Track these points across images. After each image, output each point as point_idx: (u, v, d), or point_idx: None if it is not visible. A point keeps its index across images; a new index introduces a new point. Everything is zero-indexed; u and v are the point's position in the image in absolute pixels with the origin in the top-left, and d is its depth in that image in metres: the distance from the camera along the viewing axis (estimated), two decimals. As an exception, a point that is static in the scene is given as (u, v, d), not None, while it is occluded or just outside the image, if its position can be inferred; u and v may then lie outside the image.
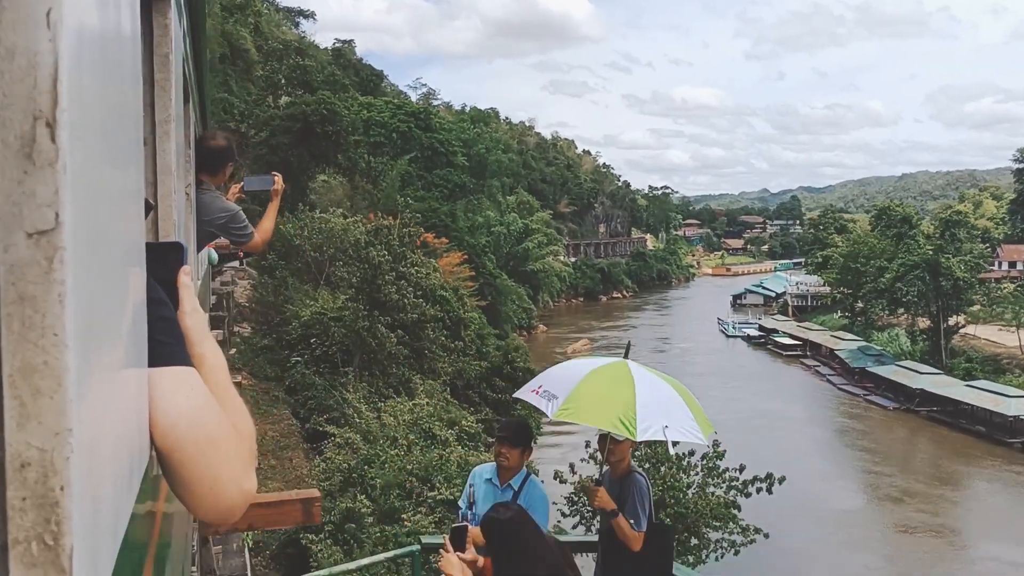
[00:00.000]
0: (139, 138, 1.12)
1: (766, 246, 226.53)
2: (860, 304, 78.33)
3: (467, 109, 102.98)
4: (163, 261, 1.22)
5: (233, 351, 31.31)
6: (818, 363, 68.14)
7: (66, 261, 0.59)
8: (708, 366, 70.42)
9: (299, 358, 28.05)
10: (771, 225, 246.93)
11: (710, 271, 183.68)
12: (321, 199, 55.99)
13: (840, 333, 70.64)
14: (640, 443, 16.84)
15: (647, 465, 15.65)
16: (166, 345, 1.05)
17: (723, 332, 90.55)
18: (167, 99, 2.68)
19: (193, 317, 1.20)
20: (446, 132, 76.08)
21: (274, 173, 5.57)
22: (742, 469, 17.08)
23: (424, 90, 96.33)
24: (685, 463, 16.73)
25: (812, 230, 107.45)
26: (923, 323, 63.06)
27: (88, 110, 0.68)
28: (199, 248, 4.99)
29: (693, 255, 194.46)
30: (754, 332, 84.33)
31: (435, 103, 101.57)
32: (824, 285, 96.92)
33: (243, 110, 61.51)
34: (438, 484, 14.97)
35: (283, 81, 60.45)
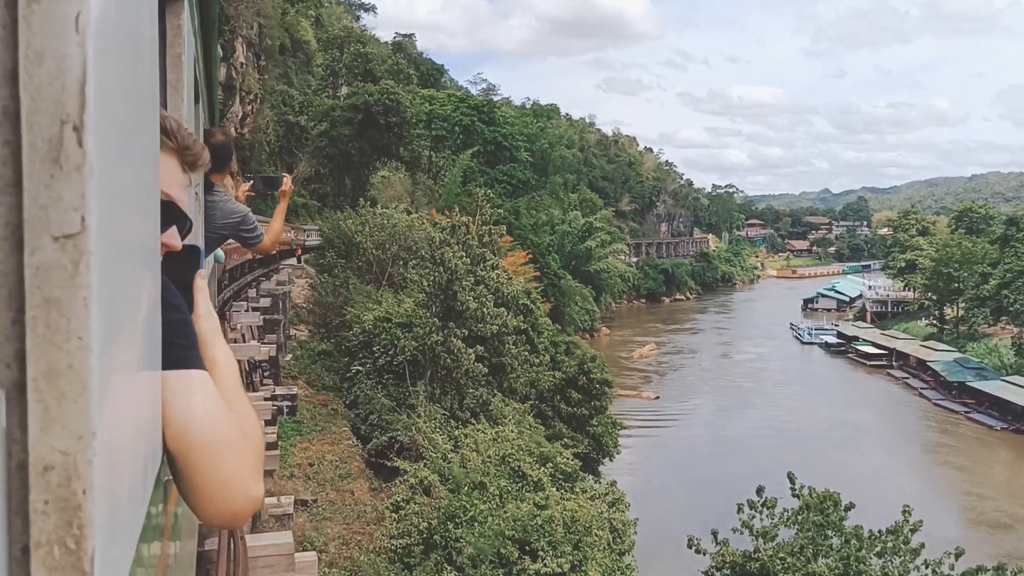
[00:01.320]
0: (156, 140, 1.11)
1: (833, 248, 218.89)
2: (952, 311, 72.95)
3: (528, 104, 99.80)
4: (180, 264, 1.22)
5: (289, 356, 28.82)
6: (907, 375, 63.19)
7: (92, 265, 0.59)
8: (785, 375, 66.15)
9: (360, 367, 25.33)
10: (837, 226, 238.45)
11: (775, 273, 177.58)
12: (380, 195, 53.67)
13: (931, 343, 65.48)
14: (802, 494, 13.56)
15: (806, 532, 12.24)
16: (181, 348, 1.06)
17: (798, 338, 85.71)
18: (179, 100, 2.72)
19: (207, 320, 1.21)
20: (509, 126, 73.12)
21: (284, 174, 5.53)
22: (958, 556, 13.17)
23: (484, 85, 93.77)
24: (867, 534, 13.11)
25: (892, 232, 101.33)
26: (1031, 334, 57.68)
27: (112, 113, 0.68)
28: (209, 250, 4.75)
29: (757, 256, 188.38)
30: (832, 339, 79.38)
31: (495, 98, 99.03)
32: (905, 290, 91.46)
33: (302, 102, 59.57)
34: (542, 552, 11.93)
35: (344, 70, 58.18)
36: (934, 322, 75.50)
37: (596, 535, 13.22)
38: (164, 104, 2.60)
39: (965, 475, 44.82)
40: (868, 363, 68.76)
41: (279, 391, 22.16)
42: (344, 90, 59.39)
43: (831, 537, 12.97)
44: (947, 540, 35.34)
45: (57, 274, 0.58)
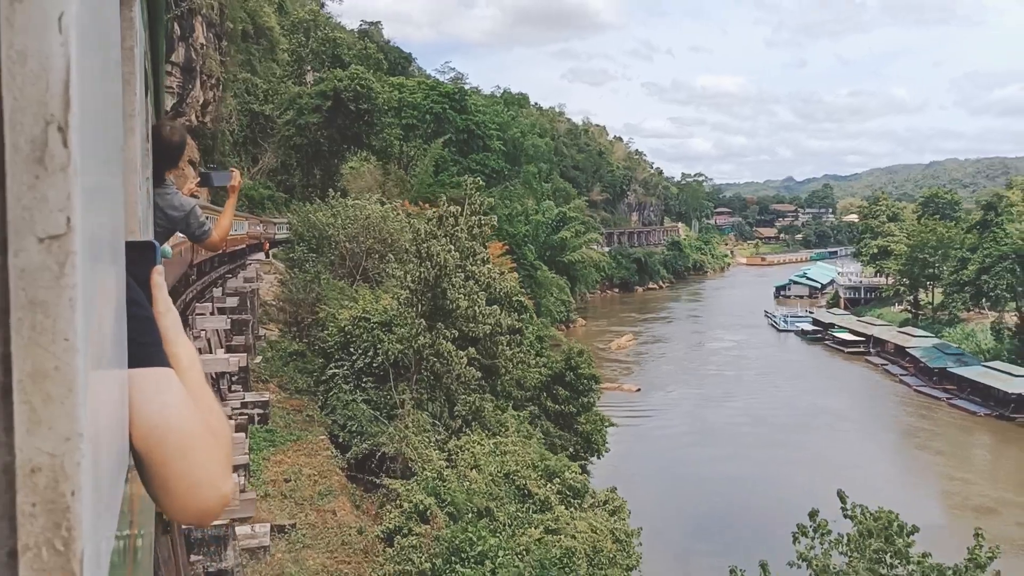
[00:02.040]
0: (120, 137, 1.09)
1: (800, 235, 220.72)
2: (926, 297, 72.93)
3: (499, 93, 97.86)
4: (137, 260, 1.22)
5: (259, 359, 27.02)
6: (885, 361, 62.88)
7: (77, 266, 0.59)
8: (764, 363, 65.53)
9: (336, 370, 23.65)
10: (803, 213, 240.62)
11: (744, 261, 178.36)
12: (350, 186, 51.69)
13: (908, 329, 65.26)
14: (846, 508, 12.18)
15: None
16: (145, 346, 1.06)
17: (773, 326, 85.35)
18: (132, 94, 2.69)
19: (167, 316, 1.21)
20: (481, 115, 71.34)
21: (232, 168, 5.34)
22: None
23: (453, 74, 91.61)
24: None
25: (863, 219, 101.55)
26: (1011, 319, 57.48)
27: (90, 112, 0.68)
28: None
29: (726, 244, 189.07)
30: (808, 326, 79.05)
31: (464, 87, 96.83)
32: (877, 276, 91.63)
33: (266, 90, 57.18)
34: (564, 593, 10.47)
35: (310, 56, 55.78)
36: (908, 308, 75.47)
37: (612, 558, 11.86)
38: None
39: (948, 460, 44.48)
40: (845, 350, 68.44)
41: (249, 398, 20.45)
42: (310, 77, 57.08)
43: (895, 567, 11.66)
44: (935, 526, 35.07)
45: (43, 275, 0.58)
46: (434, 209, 18.74)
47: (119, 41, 1.12)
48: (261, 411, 21.08)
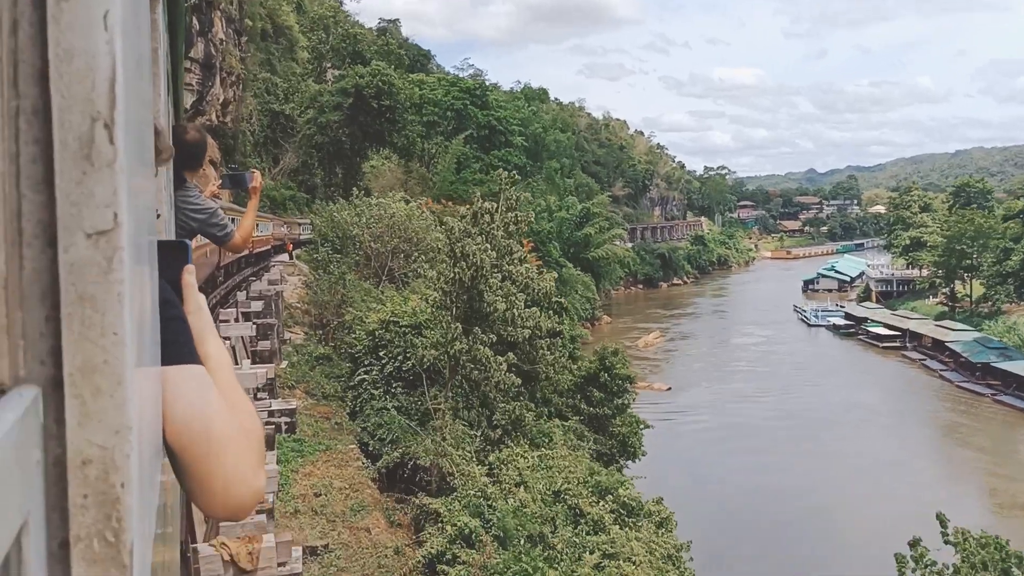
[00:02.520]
0: (151, 133, 1.11)
1: (825, 227, 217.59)
2: (963, 289, 70.93)
3: (518, 88, 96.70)
4: (169, 260, 1.23)
5: (284, 364, 26.17)
6: (923, 356, 61.07)
7: (125, 261, 0.60)
8: (796, 359, 64.02)
9: (365, 375, 22.71)
10: (827, 205, 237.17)
11: (769, 254, 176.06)
12: (371, 185, 50.89)
13: (946, 323, 63.35)
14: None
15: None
16: (178, 344, 1.08)
17: (804, 321, 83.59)
18: (156, 94, 2.77)
19: (198, 315, 1.23)
20: (502, 110, 70.25)
21: (253, 170, 5.35)
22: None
23: (471, 71, 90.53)
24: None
25: (893, 209, 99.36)
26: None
27: (132, 110, 0.70)
28: None
29: (750, 238, 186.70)
30: (840, 320, 77.25)
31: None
32: (909, 268, 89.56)
33: (286, 89, 56.51)
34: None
35: (331, 53, 54.92)
36: (944, 301, 73.45)
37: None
38: None
39: (994, 458, 42.97)
40: (880, 345, 66.66)
41: (275, 405, 19.55)
42: (330, 75, 56.27)
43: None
44: (981, 525, 33.67)
45: (91, 270, 0.59)
46: (467, 206, 17.70)
47: (149, 42, 1.10)
48: (288, 420, 20.17)
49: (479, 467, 14.43)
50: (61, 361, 0.58)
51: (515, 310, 16.41)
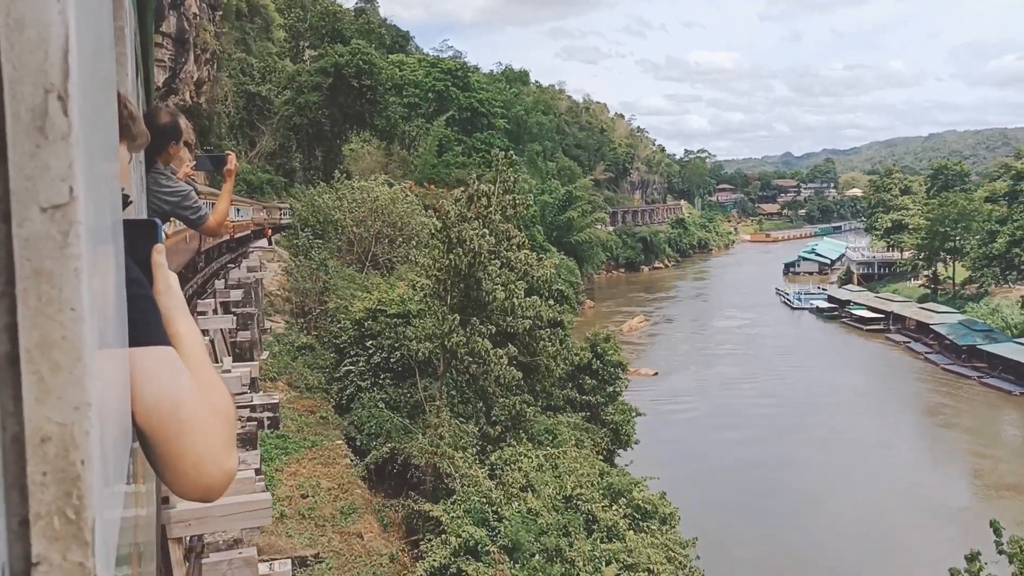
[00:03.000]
0: (115, 112, 1.11)
1: (803, 211, 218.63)
2: (945, 271, 71.05)
3: (501, 70, 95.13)
4: (137, 239, 1.22)
5: (265, 355, 25.11)
6: (907, 339, 61.03)
7: (81, 235, 0.59)
8: (780, 342, 63.77)
9: (351, 366, 21.74)
10: (804, 188, 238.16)
11: (748, 238, 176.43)
12: (352, 168, 49.55)
13: (930, 305, 63.34)
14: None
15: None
16: (145, 324, 1.07)
17: (786, 304, 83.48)
18: (123, 74, 2.70)
19: (167, 295, 1.21)
20: (484, 92, 68.92)
21: (228, 152, 5.22)
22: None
23: (451, 53, 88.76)
24: None
25: (874, 192, 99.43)
26: (1039, 293, 55.52)
27: (88, 83, 0.68)
28: None
29: (729, 221, 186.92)
30: (823, 303, 77.15)
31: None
32: (890, 250, 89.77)
33: (262, 69, 54.81)
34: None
35: (309, 32, 53.16)
36: (927, 283, 73.57)
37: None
38: None
39: (979, 439, 43.00)
40: (864, 328, 66.60)
41: (257, 399, 18.59)
42: (308, 55, 54.58)
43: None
44: (966, 507, 33.65)
45: (47, 245, 0.58)
46: (461, 188, 16.69)
47: (111, 19, 1.12)
48: (271, 415, 19.18)
49: (481, 468, 13.50)
50: (17, 337, 0.57)
51: (515, 299, 15.45)
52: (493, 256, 15.39)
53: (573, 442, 15.70)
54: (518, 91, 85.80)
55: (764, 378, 53.15)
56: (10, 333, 0.57)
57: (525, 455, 13.78)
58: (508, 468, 13.38)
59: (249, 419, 16.87)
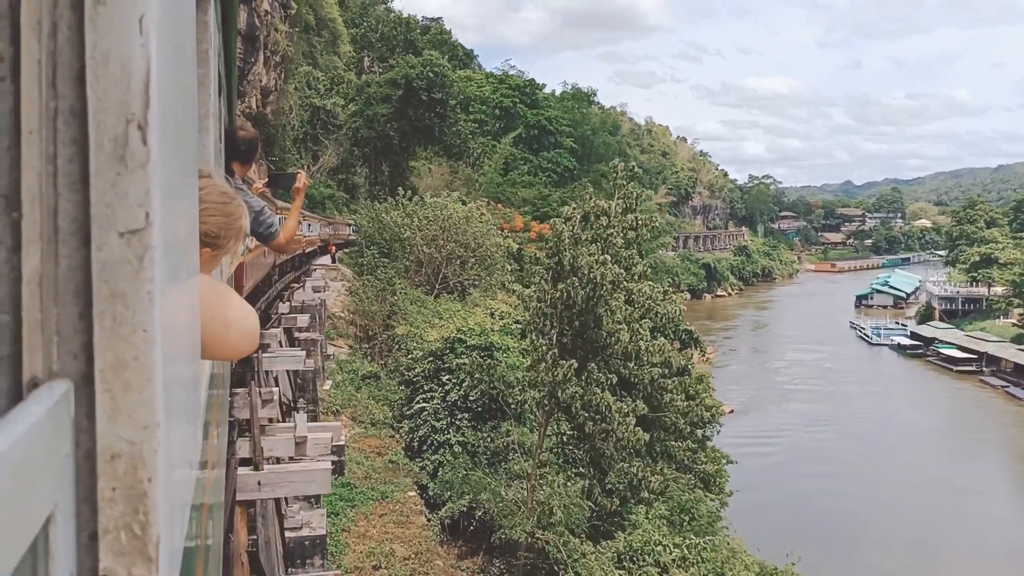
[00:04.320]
0: (195, 136, 1.12)
1: (870, 240, 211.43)
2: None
3: (566, 89, 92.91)
4: None
5: (328, 384, 22.85)
6: (1005, 382, 56.29)
7: (155, 260, 0.61)
8: (862, 380, 59.57)
9: (424, 402, 19.28)
10: (870, 218, 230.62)
11: (812, 267, 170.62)
12: (419, 184, 47.65)
13: (1031, 346, 58.55)
14: None
15: None
16: None
17: (863, 339, 78.83)
18: (206, 94, 2.76)
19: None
20: (552, 109, 66.67)
21: (298, 171, 5.39)
22: None
23: (514, 72, 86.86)
24: None
25: (957, 224, 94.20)
26: None
27: (167, 112, 0.71)
28: None
29: (792, 250, 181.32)
30: (904, 340, 72.44)
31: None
32: (975, 285, 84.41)
33: (327, 83, 53.48)
34: None
35: (379, 43, 51.54)
36: (1019, 321, 68.40)
37: None
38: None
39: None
40: (954, 368, 61.90)
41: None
42: (376, 69, 52.95)
43: None
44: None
45: (123, 269, 0.60)
46: (571, 206, 14.13)
47: (195, 43, 1.17)
48: (336, 458, 16.80)
49: (601, 554, 10.73)
50: (93, 357, 0.59)
51: (641, 342, 12.71)
52: (616, 288, 12.70)
53: (713, 524, 12.87)
54: (585, 110, 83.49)
55: (849, 419, 49.30)
56: (87, 353, 0.59)
57: (661, 543, 11.06)
58: (641, 560, 10.66)
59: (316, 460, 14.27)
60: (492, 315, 22.18)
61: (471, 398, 18.67)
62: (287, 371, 14.95)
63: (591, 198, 14.11)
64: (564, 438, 14.48)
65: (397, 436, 20.34)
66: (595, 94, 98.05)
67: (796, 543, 29.50)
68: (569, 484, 13.17)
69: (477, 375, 15.24)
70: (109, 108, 0.58)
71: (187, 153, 0.97)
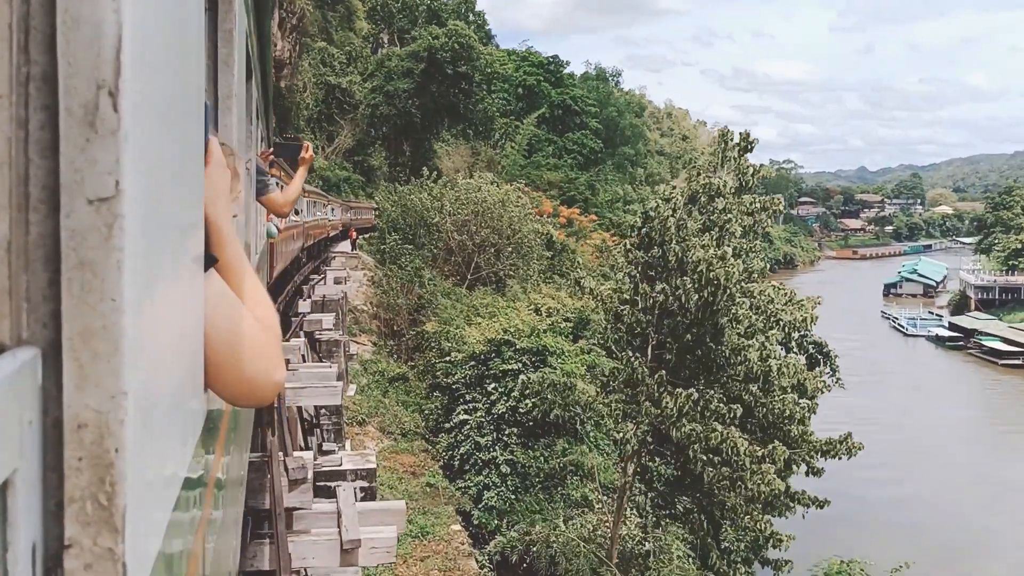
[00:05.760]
0: (200, 111, 1.12)
1: (891, 227, 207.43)
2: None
3: (588, 70, 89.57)
4: None
5: (352, 390, 20.27)
6: (1058, 378, 53.32)
7: (125, 228, 0.61)
8: (902, 373, 56.63)
9: (467, 415, 16.66)
10: (889, 204, 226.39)
11: (834, 254, 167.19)
12: (440, 165, 44.96)
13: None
14: None
15: None
16: None
17: (897, 329, 75.74)
18: (230, 75, 2.78)
19: (213, 205, 1.12)
20: (576, 88, 63.64)
21: (304, 142, 5.89)
22: None
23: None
24: None
25: (992, 211, 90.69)
26: None
27: (150, 81, 0.70)
28: None
29: (812, 236, 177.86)
30: (943, 331, 69.37)
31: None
32: (1008, 273, 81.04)
33: (343, 61, 50.67)
34: None
35: (398, 15, 48.44)
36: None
37: None
38: (214, 79, 2.65)
39: None
40: (999, 362, 58.87)
41: (347, 462, 13.58)
42: (388, 48, 49.99)
43: None
44: None
45: (91, 237, 0.60)
46: (668, 185, 11.40)
47: (201, 19, 1.16)
48: (366, 484, 14.19)
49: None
50: (61, 325, 0.59)
51: (772, 360, 9.85)
52: (741, 292, 9.87)
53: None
54: (610, 91, 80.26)
55: (894, 415, 46.51)
56: (55, 321, 0.59)
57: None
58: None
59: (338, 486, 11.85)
60: (538, 311, 19.46)
61: (520, 410, 16.04)
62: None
63: (700, 173, 11.35)
64: (657, 475, 11.76)
65: (432, 451, 17.77)
66: (620, 75, 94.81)
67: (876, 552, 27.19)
68: (666, 535, 10.54)
69: (545, 395, 12.53)
70: (79, 73, 0.58)
71: (187, 131, 0.93)
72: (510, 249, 25.71)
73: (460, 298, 22.49)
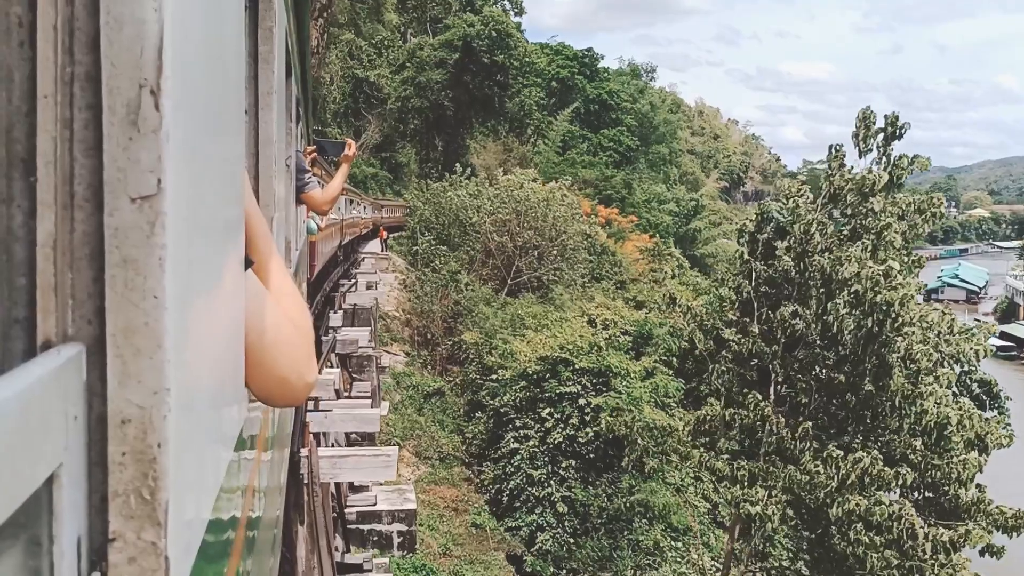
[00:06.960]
0: (241, 109, 1.12)
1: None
2: None
3: (623, 65, 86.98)
4: None
5: (385, 407, 18.24)
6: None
7: (167, 226, 0.62)
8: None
9: (517, 443, 14.60)
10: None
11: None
12: (473, 161, 43.00)
13: None
14: None
15: None
16: None
17: (944, 338, 72.52)
18: (270, 72, 2.82)
19: (249, 206, 1.12)
20: (611, 82, 61.35)
21: (348, 140, 5.59)
22: None
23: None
24: None
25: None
26: None
27: (191, 80, 0.71)
28: None
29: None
30: (994, 340, 66.15)
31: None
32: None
33: (371, 53, 48.88)
34: None
35: (431, 3, 46.45)
36: None
37: None
38: (255, 76, 2.69)
39: None
40: (1058, 374, 55.72)
41: (382, 496, 11.62)
42: (414, 41, 48.07)
43: None
44: None
45: (134, 234, 0.61)
46: (794, 178, 9.47)
47: (241, 17, 1.18)
48: (404, 528, 12.13)
49: None
50: (105, 321, 0.61)
51: (948, 409, 7.64)
52: (905, 318, 7.69)
53: None
54: (644, 87, 77.78)
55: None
56: (99, 317, 0.61)
57: None
58: None
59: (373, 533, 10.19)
60: (592, 322, 17.37)
61: (580, 439, 13.92)
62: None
63: (841, 167, 9.14)
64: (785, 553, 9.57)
65: (476, 480, 15.72)
66: (654, 71, 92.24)
67: None
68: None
69: (634, 437, 10.34)
70: (122, 73, 0.59)
71: (227, 127, 0.93)
72: (554, 252, 23.59)
73: (503, 305, 20.40)
